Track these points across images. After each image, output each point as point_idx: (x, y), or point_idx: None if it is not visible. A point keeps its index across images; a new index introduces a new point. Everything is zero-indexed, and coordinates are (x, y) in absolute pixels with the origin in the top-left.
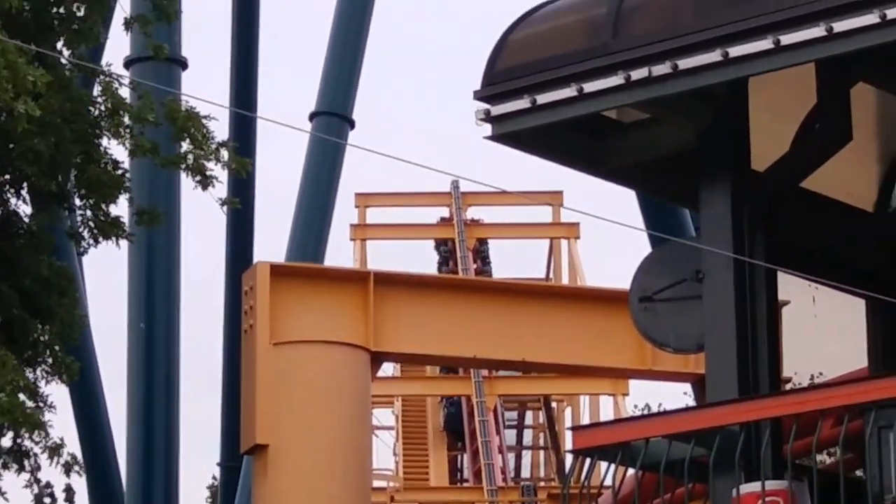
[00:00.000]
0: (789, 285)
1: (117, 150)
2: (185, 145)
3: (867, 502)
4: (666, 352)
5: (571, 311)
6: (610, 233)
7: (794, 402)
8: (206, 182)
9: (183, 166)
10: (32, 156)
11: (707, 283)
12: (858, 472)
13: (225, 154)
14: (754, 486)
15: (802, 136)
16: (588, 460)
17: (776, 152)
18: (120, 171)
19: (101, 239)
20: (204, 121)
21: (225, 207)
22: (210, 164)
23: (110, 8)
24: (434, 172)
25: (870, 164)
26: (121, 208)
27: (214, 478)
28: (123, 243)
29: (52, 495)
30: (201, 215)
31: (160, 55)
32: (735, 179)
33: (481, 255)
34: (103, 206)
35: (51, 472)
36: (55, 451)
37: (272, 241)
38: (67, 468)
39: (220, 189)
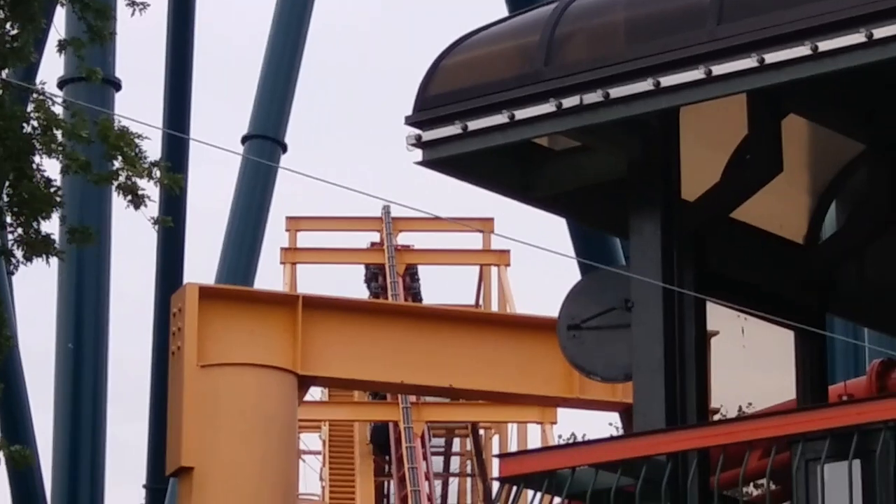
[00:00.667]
0: (718, 316)
1: (50, 168)
2: (118, 163)
3: None
4: (594, 380)
5: (500, 339)
6: (540, 260)
7: (722, 432)
8: (137, 201)
9: (115, 184)
10: None
11: (636, 312)
12: None
13: (157, 172)
14: None
15: (733, 166)
16: (514, 488)
17: (707, 182)
18: (53, 189)
19: (31, 257)
20: (136, 140)
21: (156, 227)
22: (142, 182)
23: (44, 28)
24: (365, 198)
25: (801, 196)
26: (52, 226)
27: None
28: (54, 261)
29: None
30: (133, 234)
31: (94, 79)
32: (665, 208)
33: (410, 272)
34: (34, 223)
35: None
36: None
37: (202, 263)
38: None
39: (152, 208)
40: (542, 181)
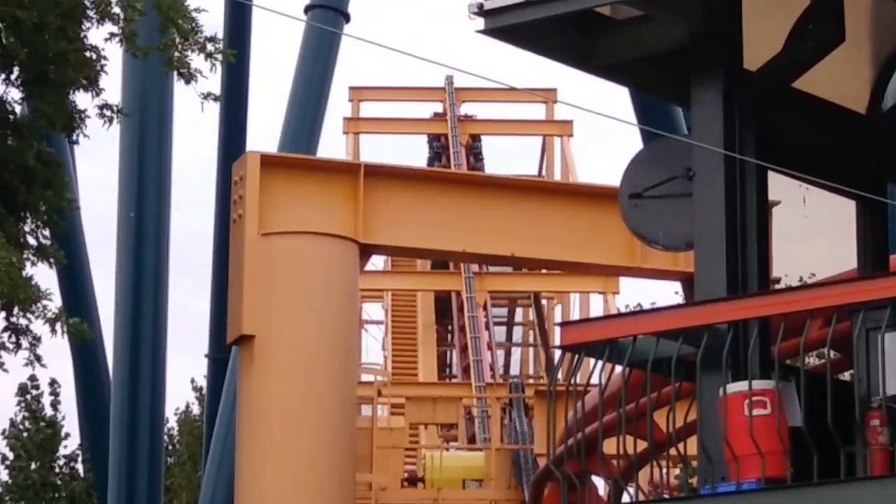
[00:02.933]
0: (780, 186)
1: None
2: (173, 36)
3: (854, 404)
4: (655, 249)
5: (561, 208)
6: (603, 132)
7: (784, 301)
8: (188, 76)
9: (164, 57)
10: (12, 22)
11: (697, 181)
12: (846, 375)
13: (210, 46)
14: (741, 386)
15: (795, 36)
16: (576, 357)
17: (769, 52)
18: (93, 55)
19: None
20: (193, 13)
21: (210, 101)
22: (192, 55)
23: None
24: (428, 69)
25: (862, 66)
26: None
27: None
28: (115, 130)
29: (37, 387)
30: (198, 103)
31: None
32: (727, 78)
33: (474, 151)
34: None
35: (51, 347)
36: (55, 320)
37: (266, 133)
38: (76, 333)
39: (208, 84)
40: (604, 50)
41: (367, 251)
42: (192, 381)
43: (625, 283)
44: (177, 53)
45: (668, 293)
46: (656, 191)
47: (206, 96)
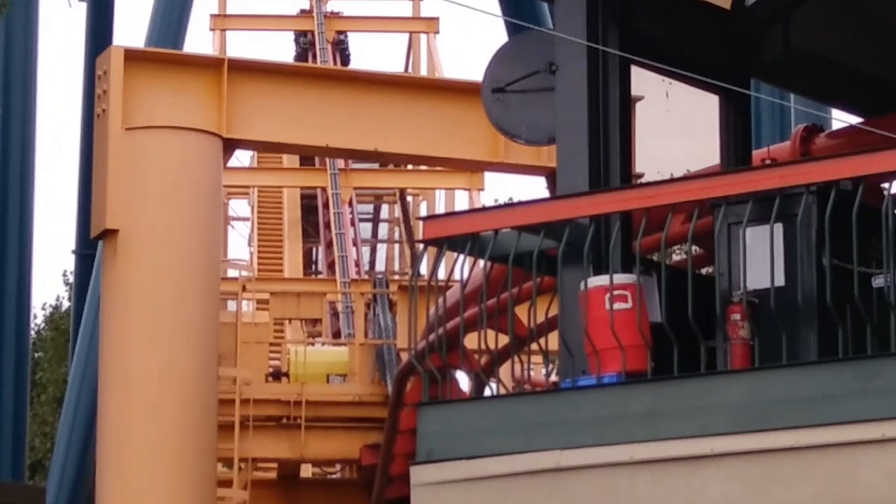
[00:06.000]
0: (643, 81)
1: None
2: None
3: (715, 299)
4: (518, 143)
5: (426, 103)
6: (470, 30)
7: (645, 196)
8: None
9: None
10: None
11: (560, 75)
12: (708, 270)
13: None
14: (602, 280)
15: None
16: (438, 252)
17: None
18: None
19: None
20: None
21: (74, 1)
22: None
23: None
24: None
25: None
26: None
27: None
28: None
29: None
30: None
31: None
32: None
33: (341, 48)
34: None
35: None
36: None
37: (134, 29)
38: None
39: None
40: None
41: (230, 146)
42: (64, 274)
43: (491, 179)
44: None
45: (536, 191)
46: (519, 85)
47: None
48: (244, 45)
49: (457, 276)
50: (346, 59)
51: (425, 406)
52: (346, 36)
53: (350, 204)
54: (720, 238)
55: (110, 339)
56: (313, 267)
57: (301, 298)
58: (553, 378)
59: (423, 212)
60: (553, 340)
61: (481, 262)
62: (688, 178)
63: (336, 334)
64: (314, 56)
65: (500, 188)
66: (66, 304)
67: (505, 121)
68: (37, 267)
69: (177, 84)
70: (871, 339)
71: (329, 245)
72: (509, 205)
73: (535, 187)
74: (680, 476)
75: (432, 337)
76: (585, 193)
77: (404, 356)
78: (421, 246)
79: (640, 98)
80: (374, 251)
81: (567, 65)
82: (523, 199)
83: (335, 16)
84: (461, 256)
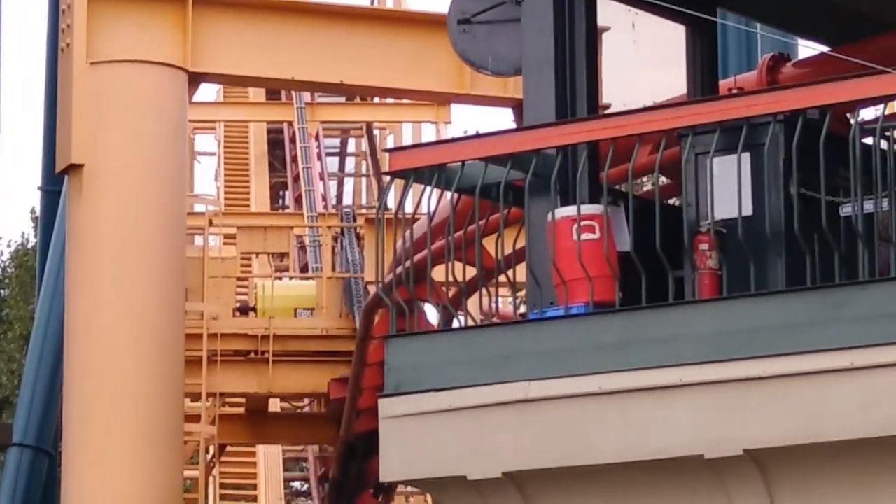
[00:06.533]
0: (609, 12)
1: None
2: None
3: (683, 229)
4: (484, 74)
5: (391, 35)
6: None
7: (611, 125)
8: None
9: None
10: None
11: (525, 6)
12: (676, 200)
13: None
14: (570, 210)
15: None
16: (405, 184)
17: None
18: None
19: None
20: None
21: None
22: None
23: None
24: None
25: None
26: None
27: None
28: None
29: None
30: None
31: None
32: None
33: None
34: None
35: None
36: None
37: None
38: None
39: None
40: None
41: (196, 80)
42: (32, 211)
43: (459, 113)
44: None
45: (506, 123)
46: (485, 16)
47: None
48: None
49: (424, 208)
50: None
51: (393, 339)
52: None
53: (317, 138)
54: (687, 168)
55: (76, 274)
56: (281, 201)
57: (268, 232)
58: (521, 309)
59: (390, 145)
60: (521, 272)
61: (448, 194)
62: (654, 107)
63: (303, 268)
64: None
65: (468, 121)
66: (32, 241)
67: (471, 52)
68: (3, 205)
69: (142, 18)
70: (839, 268)
71: (296, 179)
72: (476, 136)
73: (502, 119)
74: (649, 406)
75: (400, 270)
76: (552, 124)
77: (372, 289)
78: (387, 178)
79: (606, 29)
80: (341, 185)
81: None
82: (490, 130)
83: None
84: (428, 188)
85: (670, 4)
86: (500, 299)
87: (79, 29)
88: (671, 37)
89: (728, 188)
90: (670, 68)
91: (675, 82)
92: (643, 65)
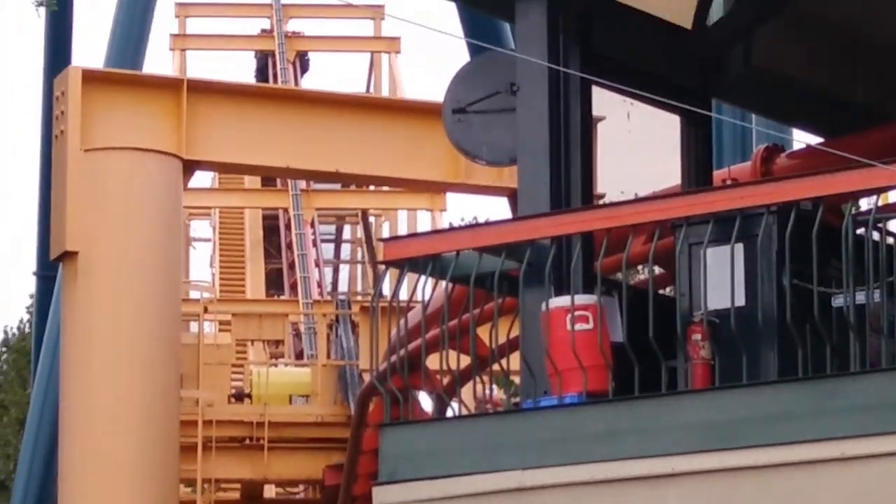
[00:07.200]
0: (605, 101)
1: None
2: None
3: (676, 319)
4: (479, 164)
5: (387, 124)
6: (432, 51)
7: (606, 216)
8: None
9: None
10: None
11: (521, 95)
12: (669, 290)
13: None
14: (564, 301)
15: None
16: (400, 273)
17: None
18: None
19: None
20: None
21: (41, 10)
22: None
23: None
24: None
25: None
26: None
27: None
28: None
29: None
30: (23, 18)
31: None
32: None
33: (304, 68)
34: None
35: None
36: None
37: (94, 49)
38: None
39: None
40: None
41: (190, 167)
42: (32, 297)
43: (454, 201)
44: None
45: (500, 212)
46: (480, 105)
47: (40, 3)
48: (205, 65)
49: (419, 297)
50: (305, 67)
51: (387, 426)
52: (307, 56)
53: (312, 225)
54: (681, 258)
55: (72, 360)
56: (279, 288)
57: (263, 319)
58: (514, 399)
59: (386, 232)
60: (515, 361)
61: (443, 283)
62: (648, 198)
63: (299, 355)
64: (275, 76)
65: (464, 206)
66: (28, 325)
67: (466, 141)
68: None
69: (136, 105)
70: (830, 359)
71: (291, 266)
72: (470, 226)
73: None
74: (641, 495)
75: (394, 358)
76: (546, 214)
77: (367, 377)
78: (383, 267)
79: (601, 118)
80: (336, 272)
81: (528, 85)
82: (487, 217)
83: (296, 35)
84: (423, 277)
85: (665, 98)
86: (493, 388)
87: (73, 116)
88: (666, 126)
89: (721, 279)
90: (665, 157)
91: (670, 170)
92: (638, 153)
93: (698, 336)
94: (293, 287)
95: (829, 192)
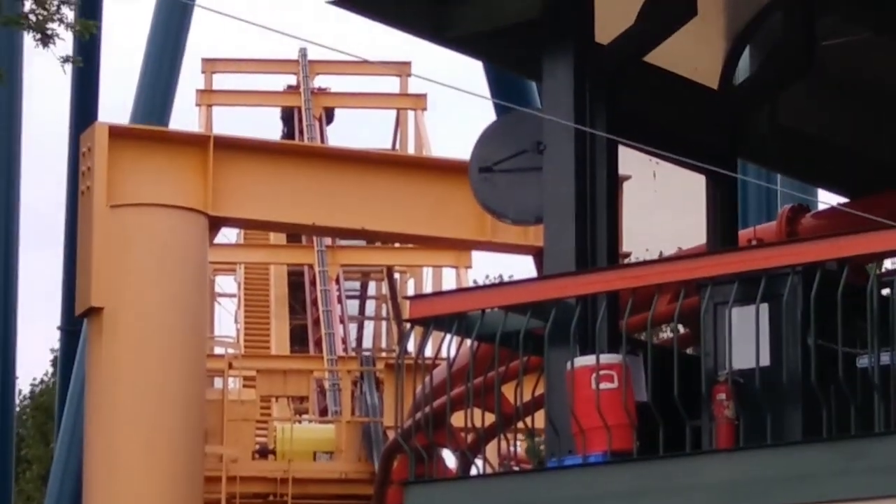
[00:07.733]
0: (631, 160)
1: None
2: (28, 4)
3: (701, 379)
4: (505, 223)
5: (413, 181)
6: (458, 107)
7: (631, 275)
8: (46, 40)
9: (24, 24)
10: None
11: (547, 155)
12: (693, 350)
13: (68, 13)
14: (589, 360)
15: (647, 9)
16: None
17: (621, 25)
18: None
19: None
20: None
21: (68, 66)
22: (53, 25)
23: None
24: (283, 41)
25: (715, 41)
26: None
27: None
28: None
29: None
30: (50, 74)
31: None
32: (578, 51)
33: (329, 124)
34: None
35: None
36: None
37: (120, 104)
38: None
39: (63, 47)
40: (456, 21)
41: (216, 224)
42: (53, 351)
43: (479, 257)
44: (33, 17)
45: (524, 268)
46: (506, 164)
47: (66, 60)
48: (231, 120)
49: (444, 354)
50: (330, 117)
51: (412, 484)
52: (333, 112)
53: (337, 281)
54: (706, 318)
55: (96, 416)
56: (303, 344)
57: (288, 376)
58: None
59: (411, 289)
60: (540, 420)
61: (468, 341)
62: (673, 258)
63: (323, 412)
64: (301, 132)
65: (490, 263)
66: (49, 382)
67: (492, 200)
68: (25, 344)
69: (162, 161)
70: (854, 419)
71: (316, 322)
72: (496, 285)
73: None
74: None
75: (419, 415)
76: (571, 274)
77: (391, 434)
78: (408, 325)
79: (627, 177)
80: (361, 328)
81: (554, 144)
82: (513, 274)
83: (322, 92)
84: (448, 335)
85: (690, 158)
86: (518, 445)
87: (99, 172)
88: (692, 184)
89: (746, 338)
90: (691, 215)
91: (695, 229)
92: (664, 212)
93: (723, 395)
94: (318, 343)
95: (854, 253)
